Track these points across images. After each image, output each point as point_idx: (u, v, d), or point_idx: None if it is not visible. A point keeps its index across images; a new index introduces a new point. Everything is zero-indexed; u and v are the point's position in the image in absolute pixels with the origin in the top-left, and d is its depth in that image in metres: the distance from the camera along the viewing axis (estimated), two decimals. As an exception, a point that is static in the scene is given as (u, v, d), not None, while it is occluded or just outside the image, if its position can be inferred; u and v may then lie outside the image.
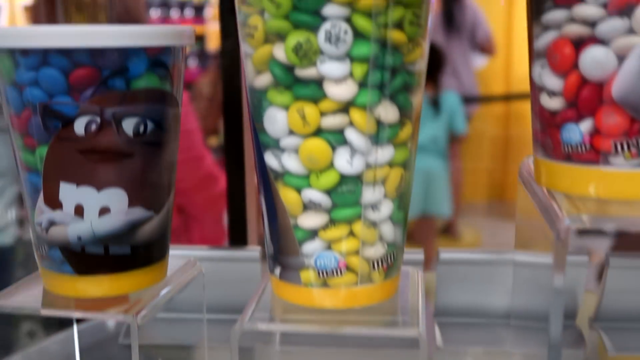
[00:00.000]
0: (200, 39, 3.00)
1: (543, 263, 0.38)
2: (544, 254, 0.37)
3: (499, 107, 3.04)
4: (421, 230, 2.11)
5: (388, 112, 0.35)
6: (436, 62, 2.04)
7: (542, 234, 0.37)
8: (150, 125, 0.37)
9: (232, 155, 0.67)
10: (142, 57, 0.36)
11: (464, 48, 2.44)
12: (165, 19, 2.99)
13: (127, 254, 0.39)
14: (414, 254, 0.53)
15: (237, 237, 0.66)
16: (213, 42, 2.92)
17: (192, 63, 2.97)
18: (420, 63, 0.37)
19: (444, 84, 2.18)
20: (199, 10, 3.05)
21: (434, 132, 2.04)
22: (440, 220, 2.55)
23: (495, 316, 0.54)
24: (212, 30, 2.92)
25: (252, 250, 0.55)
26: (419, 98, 0.37)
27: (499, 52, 2.74)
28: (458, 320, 0.55)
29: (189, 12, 3.05)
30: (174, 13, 3.04)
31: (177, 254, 0.45)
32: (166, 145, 0.39)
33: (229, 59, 0.68)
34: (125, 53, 0.36)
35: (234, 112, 0.68)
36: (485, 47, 2.51)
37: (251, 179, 0.68)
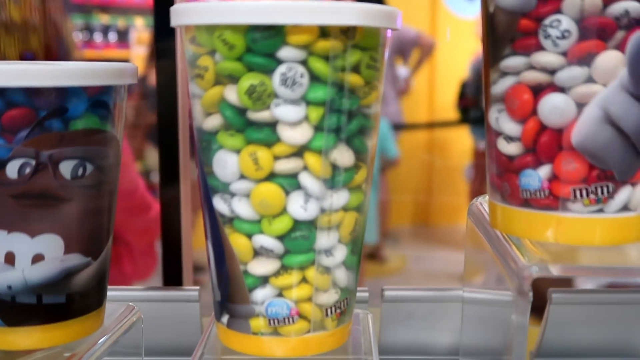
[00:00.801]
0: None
1: (492, 300, 0.37)
2: (492, 290, 0.37)
3: (423, 134, 3.09)
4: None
5: (344, 156, 0.34)
6: None
7: (491, 272, 0.36)
8: (89, 167, 0.35)
9: (167, 191, 0.64)
10: (81, 96, 0.34)
11: (391, 75, 2.47)
12: (88, 43, 2.92)
13: (61, 303, 0.36)
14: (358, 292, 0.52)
15: (171, 272, 0.64)
16: (138, 67, 2.87)
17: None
18: (376, 106, 0.36)
19: None
20: (122, 34, 2.99)
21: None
22: (366, 248, 2.56)
23: (442, 354, 0.54)
24: (137, 54, 2.87)
25: (190, 291, 0.52)
26: (374, 141, 0.36)
27: (423, 80, 2.79)
28: (402, 359, 0.54)
29: (112, 37, 2.99)
30: (97, 37, 2.97)
31: (112, 296, 0.42)
32: (106, 187, 0.37)
33: (165, 90, 0.66)
34: (64, 92, 0.33)
35: (169, 143, 0.66)
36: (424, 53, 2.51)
37: (186, 212, 0.66)
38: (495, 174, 0.36)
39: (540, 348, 0.53)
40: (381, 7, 0.33)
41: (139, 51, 2.89)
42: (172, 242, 0.63)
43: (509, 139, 0.35)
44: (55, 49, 0.95)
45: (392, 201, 2.76)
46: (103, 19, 3.00)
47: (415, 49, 2.49)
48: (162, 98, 0.65)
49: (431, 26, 3.08)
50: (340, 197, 0.35)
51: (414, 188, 3.04)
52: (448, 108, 2.62)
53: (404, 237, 2.95)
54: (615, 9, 0.32)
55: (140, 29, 3.01)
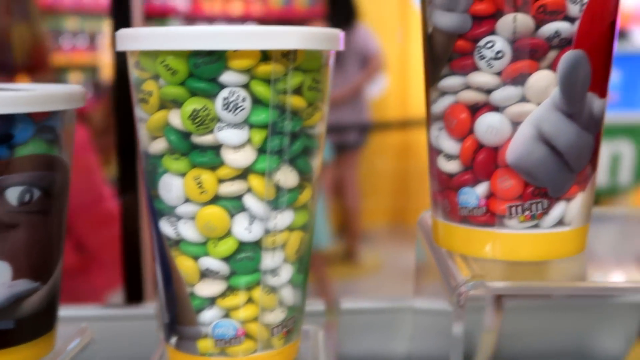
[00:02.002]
0: (93, 69, 2.93)
1: (441, 310, 0.38)
2: (439, 301, 0.37)
3: (395, 133, 3.10)
4: (314, 265, 2.11)
5: (287, 177, 0.35)
6: None
7: (437, 284, 0.37)
8: (37, 193, 0.35)
9: (126, 205, 0.64)
10: (27, 122, 0.34)
11: (353, 76, 2.47)
12: (57, 48, 2.89)
13: (10, 328, 0.36)
14: (314, 305, 0.52)
15: (132, 288, 0.64)
16: (107, 72, 2.85)
17: (87, 94, 2.88)
18: (320, 126, 0.36)
19: None
20: (92, 38, 2.97)
21: None
22: (340, 248, 2.57)
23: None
24: (106, 59, 2.86)
25: (149, 307, 0.53)
26: (319, 160, 0.37)
27: (395, 78, 2.79)
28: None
29: (81, 41, 2.97)
30: (66, 42, 2.95)
31: (66, 315, 0.43)
32: (54, 212, 0.37)
33: (123, 100, 0.66)
34: (9, 119, 0.34)
35: (128, 155, 0.66)
36: (370, 66, 2.51)
37: (147, 226, 0.66)
38: (436, 191, 0.37)
39: (496, 355, 0.54)
40: (322, 30, 0.34)
41: (109, 56, 2.87)
42: (132, 257, 0.63)
43: (449, 157, 0.36)
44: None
45: (366, 202, 2.77)
46: (72, 23, 2.98)
47: (370, 61, 2.51)
48: (121, 108, 0.66)
49: (402, 23, 3.10)
50: (285, 218, 0.35)
51: (389, 189, 3.05)
52: (422, 106, 2.63)
53: (379, 237, 2.96)
54: (547, 30, 0.33)
55: (108, 33, 2.99)
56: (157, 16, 3.11)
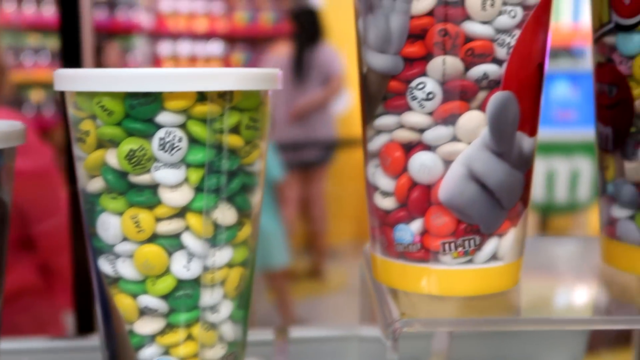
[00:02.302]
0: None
1: (380, 338, 0.38)
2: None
3: (361, 150, 3.11)
4: (275, 284, 2.11)
5: (226, 214, 0.35)
6: None
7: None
8: (-27, 232, 0.35)
9: (78, 234, 0.64)
10: (-37, 162, 0.34)
11: (316, 94, 2.48)
12: (18, 65, 2.87)
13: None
14: (263, 334, 0.53)
15: (83, 317, 0.63)
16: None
17: (49, 112, 2.86)
18: (259, 163, 0.37)
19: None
20: (53, 55, 2.95)
21: None
22: (306, 265, 2.57)
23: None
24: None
25: (94, 340, 0.52)
26: (258, 196, 0.38)
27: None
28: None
29: (43, 58, 2.95)
30: (28, 59, 2.92)
31: (11, 349, 0.42)
32: (-7, 250, 0.37)
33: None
34: (-56, 159, 0.34)
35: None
36: (330, 85, 2.52)
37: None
38: (374, 227, 0.38)
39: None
40: (259, 71, 0.35)
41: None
42: (82, 286, 0.63)
43: (384, 194, 0.36)
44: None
45: (333, 219, 2.78)
46: (33, 39, 2.96)
47: (331, 81, 2.51)
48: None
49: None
50: (223, 255, 0.35)
51: (355, 205, 3.06)
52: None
53: (345, 254, 2.97)
54: (475, 72, 0.34)
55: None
56: (121, 32, 3.10)
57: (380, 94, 0.36)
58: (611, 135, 0.40)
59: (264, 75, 0.35)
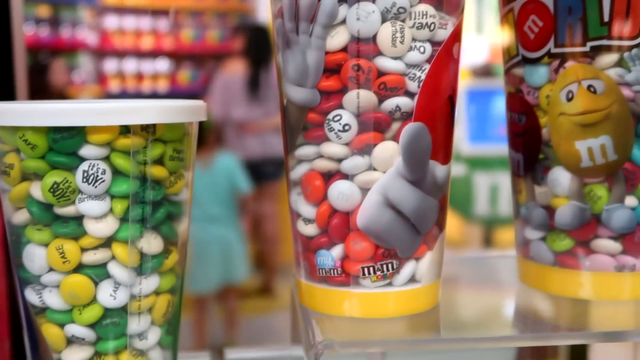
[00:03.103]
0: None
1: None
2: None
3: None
4: (225, 301, 2.11)
5: (151, 243, 0.36)
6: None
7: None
8: None
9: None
10: None
11: (273, 110, 2.49)
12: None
13: None
14: (200, 356, 0.53)
15: (18, 349, 0.63)
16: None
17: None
18: (185, 192, 0.38)
19: (224, 147, 2.22)
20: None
21: (215, 200, 2.05)
22: (257, 282, 2.57)
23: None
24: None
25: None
26: (184, 224, 0.38)
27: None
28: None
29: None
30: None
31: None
32: None
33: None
34: None
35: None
36: None
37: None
38: (298, 252, 0.39)
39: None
40: (182, 103, 0.36)
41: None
42: (16, 315, 0.63)
43: (307, 220, 0.38)
44: None
45: (284, 235, 2.78)
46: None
47: None
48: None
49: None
50: (150, 283, 0.36)
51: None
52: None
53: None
54: (389, 104, 0.35)
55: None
56: (65, 50, 3.06)
57: (300, 125, 0.37)
58: (522, 161, 0.42)
59: (187, 108, 0.36)
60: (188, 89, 3.22)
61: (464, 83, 2.48)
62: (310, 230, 0.38)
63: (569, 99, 0.38)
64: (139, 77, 3.26)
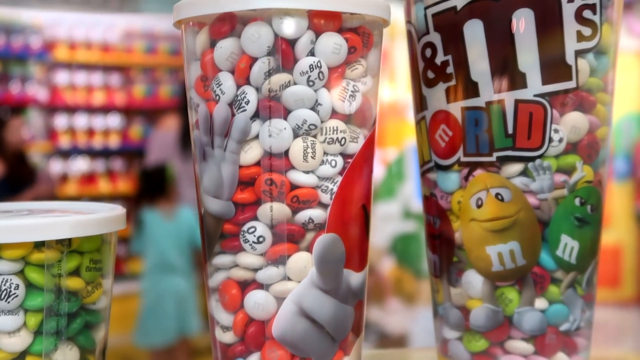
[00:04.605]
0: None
1: None
2: None
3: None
4: (183, 353, 2.08)
5: (67, 355, 0.36)
6: (158, 184, 2.10)
7: None
8: None
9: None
10: None
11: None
12: None
13: None
14: None
15: None
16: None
17: None
18: (103, 300, 0.38)
19: (182, 198, 2.22)
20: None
21: (176, 249, 2.05)
22: (208, 340, 2.53)
23: None
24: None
25: None
26: (103, 332, 0.38)
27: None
28: None
29: None
30: None
31: None
32: None
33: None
34: None
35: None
36: None
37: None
38: (217, 358, 0.39)
39: None
40: (97, 217, 0.36)
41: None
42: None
43: (224, 328, 0.38)
44: None
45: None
46: None
47: None
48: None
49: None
50: (66, 394, 0.36)
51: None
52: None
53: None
54: (302, 216, 0.36)
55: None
56: (15, 106, 3.04)
57: (217, 234, 0.37)
58: (438, 262, 0.43)
59: (103, 220, 0.36)
60: (140, 145, 3.20)
61: (412, 140, 2.53)
62: (227, 337, 0.38)
63: (479, 206, 0.40)
64: (90, 132, 3.25)
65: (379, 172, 3.28)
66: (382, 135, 3.57)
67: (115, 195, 3.17)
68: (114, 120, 3.30)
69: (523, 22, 0.39)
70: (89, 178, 3.23)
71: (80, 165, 3.21)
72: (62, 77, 3.19)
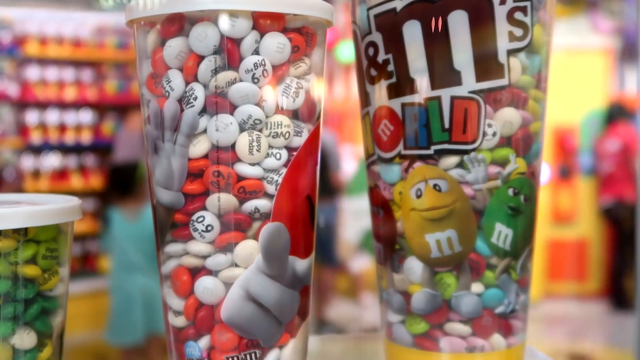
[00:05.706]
0: None
1: None
2: None
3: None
4: (154, 351, 2.09)
5: (24, 339, 0.38)
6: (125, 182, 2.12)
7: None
8: None
9: None
10: None
11: None
12: None
13: None
14: None
15: None
16: None
17: None
18: (60, 287, 0.40)
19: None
20: None
21: (139, 250, 2.05)
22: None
23: None
24: None
25: None
26: (60, 317, 0.40)
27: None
28: None
29: None
30: None
31: None
32: None
33: None
34: None
35: None
36: None
37: None
38: (170, 342, 0.41)
39: None
40: (52, 207, 0.38)
41: None
42: None
43: (176, 312, 0.40)
44: None
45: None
46: None
47: None
48: None
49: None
50: (24, 377, 0.38)
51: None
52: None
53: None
54: (248, 206, 0.38)
55: None
56: (-15, 101, 3.02)
57: (168, 224, 0.39)
58: (382, 250, 0.45)
59: (57, 211, 0.38)
60: (112, 141, 3.20)
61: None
62: (179, 322, 0.40)
63: (418, 196, 0.42)
64: (62, 128, 3.23)
65: (351, 167, 3.30)
66: (354, 131, 3.59)
67: (88, 192, 3.17)
68: (86, 116, 3.29)
69: (458, 23, 0.41)
70: (61, 174, 3.22)
71: (52, 161, 3.20)
72: (33, 73, 3.17)
